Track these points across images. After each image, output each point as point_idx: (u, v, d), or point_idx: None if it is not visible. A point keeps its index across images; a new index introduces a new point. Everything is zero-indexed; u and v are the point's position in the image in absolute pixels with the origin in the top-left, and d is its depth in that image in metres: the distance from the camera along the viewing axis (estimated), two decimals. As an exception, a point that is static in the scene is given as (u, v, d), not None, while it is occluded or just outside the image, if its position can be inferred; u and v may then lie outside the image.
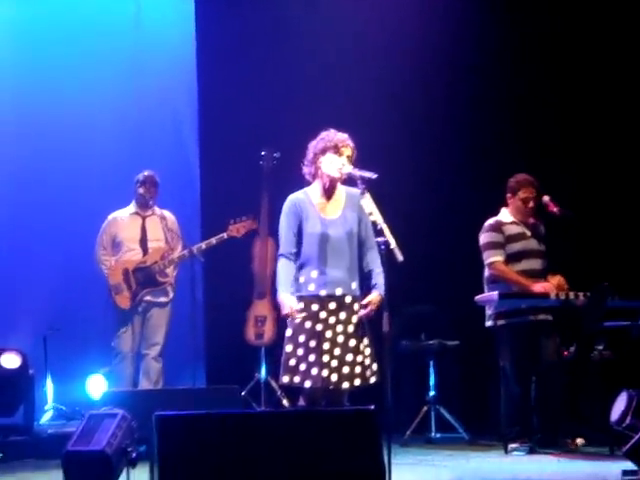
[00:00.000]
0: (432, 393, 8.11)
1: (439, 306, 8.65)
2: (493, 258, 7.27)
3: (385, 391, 5.84)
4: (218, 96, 9.28)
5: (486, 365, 8.54)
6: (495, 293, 7.12)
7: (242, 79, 9.20)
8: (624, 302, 7.22)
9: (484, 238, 7.33)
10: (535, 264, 7.30)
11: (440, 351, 8.26)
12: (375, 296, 5.90)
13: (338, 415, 5.34)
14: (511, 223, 7.35)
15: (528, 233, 7.35)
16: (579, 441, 7.17)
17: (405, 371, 8.51)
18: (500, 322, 7.21)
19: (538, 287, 7.13)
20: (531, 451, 7.17)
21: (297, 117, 8.52)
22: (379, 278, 5.92)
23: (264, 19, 9.25)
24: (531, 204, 7.31)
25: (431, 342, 8.27)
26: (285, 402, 8.18)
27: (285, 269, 5.89)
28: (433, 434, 8.03)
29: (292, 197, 6.00)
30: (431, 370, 8.16)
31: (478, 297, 7.29)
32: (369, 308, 5.89)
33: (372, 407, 5.14)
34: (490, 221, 7.37)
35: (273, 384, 8.39)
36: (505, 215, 7.38)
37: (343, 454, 4.87)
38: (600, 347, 7.16)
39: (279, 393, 8.31)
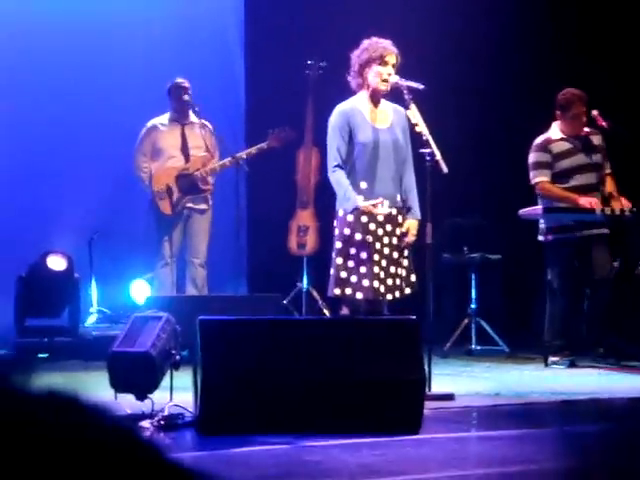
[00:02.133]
0: (473, 306, 8.13)
1: (482, 219, 8.63)
2: (538, 178, 7.24)
3: (427, 302, 5.87)
4: (264, 3, 9.19)
5: (528, 279, 8.56)
6: (539, 207, 7.11)
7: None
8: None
9: (531, 158, 7.29)
10: (588, 178, 7.24)
11: (482, 264, 8.26)
12: (412, 223, 5.89)
13: (380, 324, 5.39)
14: (560, 140, 7.27)
15: (578, 147, 7.27)
16: None
17: (447, 283, 8.51)
18: (550, 236, 7.21)
19: (584, 201, 7.08)
20: (571, 365, 7.20)
21: (343, 26, 8.41)
22: (415, 201, 5.90)
23: None
24: (582, 119, 7.21)
25: (473, 255, 8.27)
26: (326, 312, 8.24)
27: (345, 179, 5.83)
28: (473, 346, 8.07)
29: (340, 107, 5.95)
30: (472, 283, 8.17)
31: (522, 211, 7.26)
32: (409, 237, 5.88)
33: (414, 317, 5.17)
34: (538, 140, 7.30)
35: (315, 293, 8.44)
36: (555, 131, 7.30)
37: (385, 363, 4.91)
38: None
39: (320, 303, 8.36)
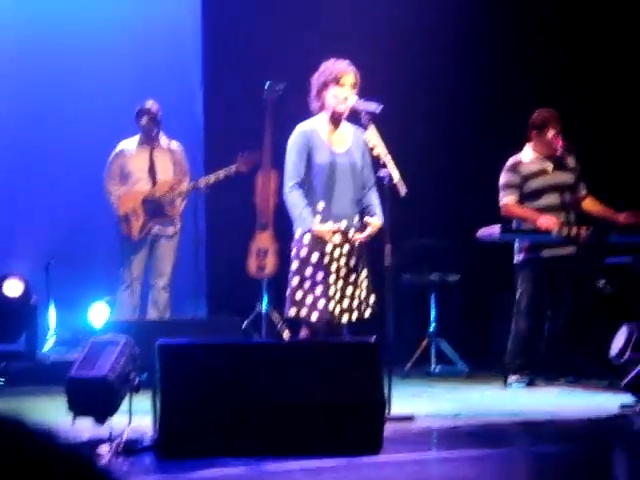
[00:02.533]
0: (433, 326, 8.14)
1: (441, 240, 8.66)
2: (504, 199, 7.33)
3: (386, 324, 5.87)
4: (223, 25, 9.21)
5: (487, 300, 8.60)
6: (497, 227, 7.14)
7: (247, 11, 9.11)
8: (625, 237, 7.23)
9: (501, 179, 7.38)
10: (558, 198, 7.30)
11: (441, 285, 8.28)
12: (375, 220, 5.87)
13: (339, 346, 5.37)
14: (530, 162, 7.33)
15: (550, 167, 7.33)
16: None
17: (406, 304, 8.55)
18: (521, 255, 7.27)
19: (540, 222, 7.13)
20: (530, 384, 7.23)
21: (302, 48, 8.45)
22: (378, 210, 5.91)
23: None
24: (559, 138, 7.26)
25: (432, 276, 8.29)
26: (286, 334, 8.21)
27: (302, 199, 5.83)
28: (433, 367, 8.09)
29: (300, 127, 5.96)
30: (432, 303, 8.19)
31: (480, 232, 7.30)
32: (368, 231, 5.85)
33: (373, 339, 5.16)
34: (509, 161, 7.39)
35: (274, 316, 8.42)
36: (526, 153, 7.37)
37: (345, 385, 4.90)
38: (601, 282, 7.18)
39: (280, 325, 8.33)
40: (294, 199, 5.86)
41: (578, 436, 5.52)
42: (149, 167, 8.07)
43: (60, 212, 8.77)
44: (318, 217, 5.85)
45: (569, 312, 7.28)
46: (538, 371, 7.27)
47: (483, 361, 8.23)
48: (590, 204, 7.42)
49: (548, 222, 7.12)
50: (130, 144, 8.14)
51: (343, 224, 5.88)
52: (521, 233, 7.29)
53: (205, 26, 9.32)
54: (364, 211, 5.97)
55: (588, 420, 5.82)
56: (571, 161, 7.40)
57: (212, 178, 7.98)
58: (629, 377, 5.60)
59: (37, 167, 8.84)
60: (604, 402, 6.33)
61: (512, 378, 7.21)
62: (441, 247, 8.66)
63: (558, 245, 7.20)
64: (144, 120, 7.97)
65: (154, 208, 7.99)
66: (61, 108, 8.91)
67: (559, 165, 7.35)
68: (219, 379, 4.83)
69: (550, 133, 7.26)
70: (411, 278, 8.38)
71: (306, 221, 5.79)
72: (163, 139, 8.13)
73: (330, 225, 5.79)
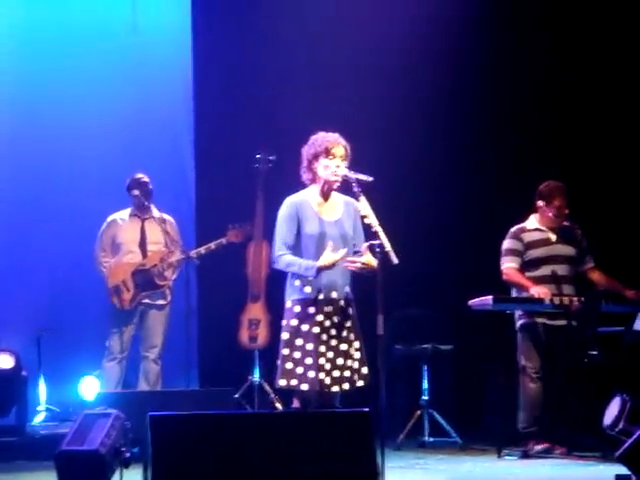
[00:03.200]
0: (425, 397, 8.10)
1: (433, 310, 8.65)
2: (506, 265, 7.40)
3: (379, 394, 5.85)
4: (214, 100, 9.29)
5: (480, 370, 8.56)
6: (489, 297, 7.16)
7: (238, 83, 9.21)
8: (618, 307, 7.26)
9: (504, 245, 7.46)
10: (558, 270, 7.34)
11: (434, 355, 8.25)
12: (370, 257, 5.77)
13: (332, 417, 5.35)
14: (534, 230, 7.42)
15: (553, 238, 7.40)
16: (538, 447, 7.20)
17: (399, 375, 8.51)
18: (521, 321, 7.33)
19: (533, 291, 7.18)
20: (524, 456, 7.19)
21: (293, 121, 8.52)
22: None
23: (260, 25, 9.25)
24: (565, 211, 7.35)
25: (425, 346, 8.27)
26: (278, 405, 8.17)
27: (294, 258, 5.82)
28: (426, 438, 8.03)
29: (290, 199, 5.99)
30: (424, 374, 8.16)
31: (472, 301, 7.31)
32: (361, 261, 5.77)
33: (366, 409, 5.14)
34: (513, 228, 7.48)
35: (266, 387, 8.38)
36: (531, 222, 7.46)
37: (337, 456, 4.88)
38: (594, 352, 7.18)
39: (272, 396, 8.30)
40: (287, 260, 5.85)
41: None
42: (140, 238, 8.09)
43: (51, 284, 8.77)
44: (309, 288, 5.85)
45: (561, 383, 7.27)
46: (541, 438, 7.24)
47: (477, 432, 8.18)
48: (597, 276, 7.47)
49: (539, 292, 7.16)
50: (122, 215, 8.17)
51: (334, 294, 5.88)
52: (513, 302, 7.34)
53: (197, 97, 9.40)
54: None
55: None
56: (575, 234, 7.47)
57: (203, 250, 8.00)
58: (623, 448, 5.56)
59: (28, 238, 8.86)
60: (598, 473, 6.30)
61: (535, 448, 7.16)
62: (433, 317, 8.65)
63: (553, 316, 7.22)
64: (136, 192, 8.01)
65: (144, 279, 7.99)
66: (51, 178, 8.95)
67: (561, 236, 7.41)
68: (211, 451, 4.80)
69: (555, 204, 7.33)
70: (403, 348, 8.36)
71: (311, 268, 5.76)
72: (154, 210, 8.16)
73: (331, 253, 5.72)
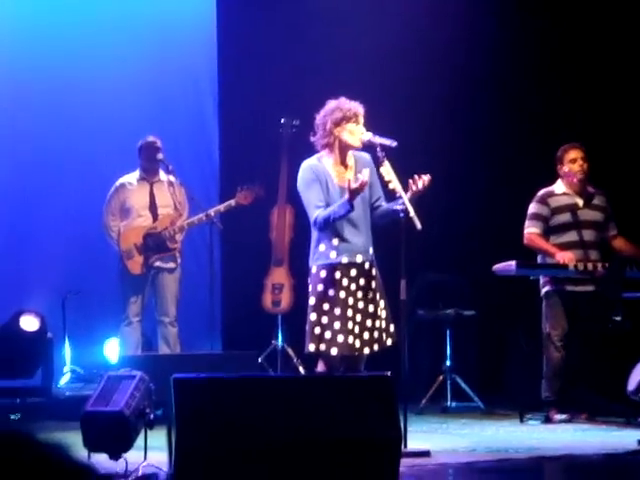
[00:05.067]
0: (448, 362, 8.11)
1: (457, 275, 8.65)
2: (528, 229, 7.38)
3: (402, 359, 5.86)
4: (237, 63, 9.27)
5: (502, 336, 8.56)
6: (513, 262, 7.14)
7: (262, 47, 9.18)
8: (643, 273, 7.23)
9: (530, 208, 7.43)
10: (584, 235, 7.32)
11: (457, 320, 8.26)
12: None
13: (355, 380, 5.36)
14: (562, 194, 7.37)
15: (580, 203, 7.37)
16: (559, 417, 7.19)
17: (421, 340, 8.52)
18: (545, 288, 7.30)
19: (559, 257, 7.16)
20: (546, 420, 7.19)
21: (317, 85, 8.48)
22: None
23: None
24: (580, 162, 7.30)
25: (448, 311, 8.27)
26: (301, 369, 8.21)
27: (326, 210, 5.77)
28: (449, 403, 8.05)
29: (308, 163, 5.97)
30: (447, 339, 8.16)
31: (496, 267, 7.30)
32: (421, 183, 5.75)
33: (388, 373, 5.15)
34: (540, 192, 7.44)
35: (289, 351, 8.42)
36: (558, 186, 7.42)
37: (359, 420, 4.88)
38: (618, 318, 7.16)
39: (295, 360, 8.33)
40: (323, 215, 5.78)
41: (595, 472, 5.49)
42: (150, 202, 8.08)
43: (76, 247, 8.80)
44: (334, 253, 5.85)
45: (586, 348, 7.26)
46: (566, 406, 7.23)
47: (499, 397, 8.19)
48: (621, 243, 7.44)
49: (564, 257, 7.13)
50: (130, 179, 8.14)
51: (359, 258, 5.89)
52: (537, 268, 7.31)
53: (221, 61, 9.38)
54: (381, 220, 5.95)
55: (605, 456, 5.79)
56: (601, 200, 7.42)
57: (212, 212, 7.97)
58: (646, 413, 5.56)
59: (51, 201, 8.88)
60: (621, 438, 6.30)
61: (556, 417, 7.15)
62: (456, 282, 8.64)
63: (578, 281, 7.19)
64: (159, 155, 7.98)
65: (155, 243, 7.99)
66: (74, 143, 8.95)
67: (587, 202, 7.37)
68: (235, 414, 4.81)
69: (569, 159, 7.29)
70: (426, 313, 8.36)
71: (343, 205, 5.70)
72: (162, 174, 8.14)
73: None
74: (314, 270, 5.92)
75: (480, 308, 8.39)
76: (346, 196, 5.70)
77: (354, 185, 5.65)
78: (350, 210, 5.74)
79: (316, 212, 5.84)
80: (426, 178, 5.80)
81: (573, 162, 7.33)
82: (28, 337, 7.79)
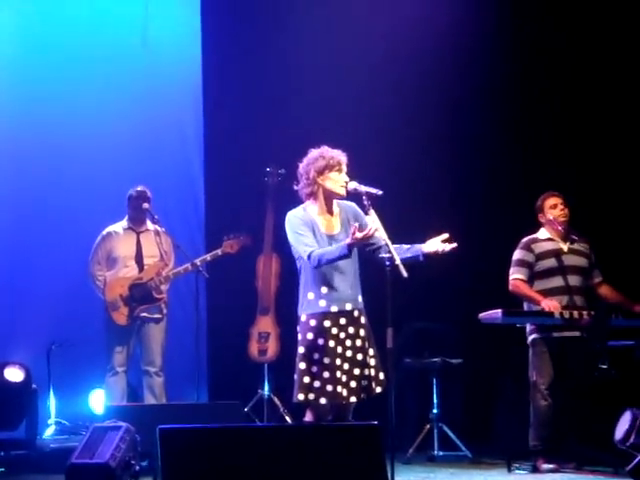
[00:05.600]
0: (435, 411, 8.09)
1: (443, 323, 8.65)
2: (513, 275, 7.39)
3: (389, 407, 5.84)
4: (224, 112, 9.31)
5: (489, 384, 8.55)
6: (499, 311, 7.14)
7: (247, 97, 9.23)
8: (628, 321, 7.24)
9: (515, 254, 7.45)
10: (572, 280, 7.32)
11: (443, 369, 8.24)
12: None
13: (342, 430, 5.35)
14: (546, 240, 7.40)
15: (565, 249, 7.40)
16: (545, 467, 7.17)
17: (408, 388, 8.50)
18: (532, 335, 7.28)
19: (544, 304, 7.16)
20: (534, 470, 7.16)
21: (302, 134, 8.53)
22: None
23: (270, 39, 9.28)
24: (560, 207, 7.36)
25: (434, 359, 8.26)
26: (288, 418, 8.17)
27: (322, 249, 5.78)
28: (436, 452, 8.01)
29: (294, 213, 5.97)
30: (434, 387, 8.14)
31: (482, 315, 7.30)
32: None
33: (376, 423, 5.14)
34: (524, 239, 7.47)
35: (276, 400, 8.38)
36: (542, 233, 7.46)
37: (346, 469, 4.88)
38: (604, 366, 7.16)
39: (282, 409, 8.30)
40: (319, 252, 5.78)
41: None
42: (136, 252, 8.07)
43: (60, 297, 8.77)
44: (323, 301, 5.85)
45: (572, 396, 7.24)
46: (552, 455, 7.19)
47: (486, 446, 8.16)
48: (607, 291, 7.45)
49: (549, 305, 7.14)
50: (116, 228, 8.14)
51: (348, 306, 5.89)
52: (523, 316, 7.31)
53: (207, 111, 9.42)
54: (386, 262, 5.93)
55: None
56: (585, 247, 7.46)
57: (198, 262, 7.96)
58: (634, 462, 5.55)
59: (36, 253, 8.87)
60: (610, 487, 6.28)
61: (543, 467, 7.12)
62: (443, 330, 8.65)
63: (564, 327, 7.19)
64: (145, 204, 7.99)
65: (141, 293, 7.97)
66: (58, 192, 8.96)
67: (573, 248, 7.41)
68: (221, 465, 4.79)
69: (548, 205, 7.35)
70: (413, 361, 8.34)
71: (342, 248, 5.71)
72: (148, 223, 8.15)
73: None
74: (303, 319, 5.91)
75: (467, 356, 8.38)
76: (347, 240, 5.72)
77: (359, 235, 5.66)
78: (347, 255, 5.75)
79: (309, 249, 5.82)
80: (453, 245, 5.80)
81: (554, 208, 7.39)
82: (12, 388, 7.74)
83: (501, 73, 9.21)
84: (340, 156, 5.96)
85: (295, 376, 5.86)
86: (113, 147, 9.07)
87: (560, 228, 7.37)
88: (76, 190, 8.97)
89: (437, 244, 5.89)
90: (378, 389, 5.91)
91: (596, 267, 7.49)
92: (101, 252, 8.10)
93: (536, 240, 7.44)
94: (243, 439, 4.99)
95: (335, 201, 6.01)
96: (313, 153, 5.99)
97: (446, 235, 5.90)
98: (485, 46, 9.17)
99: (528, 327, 7.36)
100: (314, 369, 5.81)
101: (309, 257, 5.81)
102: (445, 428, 8.05)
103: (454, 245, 5.88)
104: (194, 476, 4.76)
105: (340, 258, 5.78)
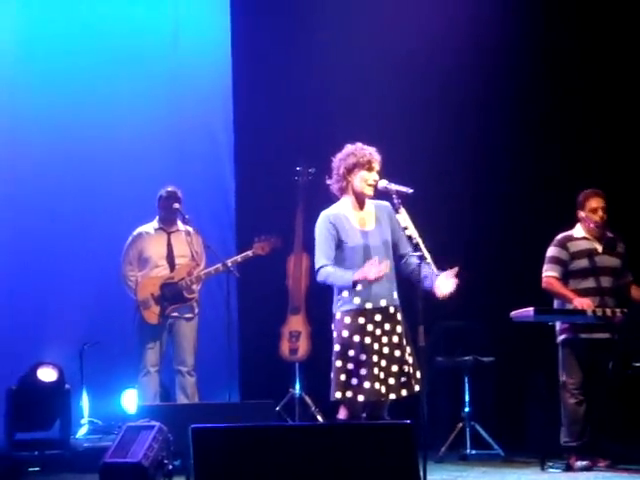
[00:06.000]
0: (467, 409, 8.07)
1: (475, 321, 8.62)
2: (547, 272, 7.34)
3: (421, 406, 5.83)
4: (254, 112, 9.32)
5: (522, 382, 8.51)
6: (531, 309, 7.11)
7: (278, 96, 9.24)
8: (662, 319, 7.19)
9: (548, 252, 7.39)
10: (604, 282, 7.27)
11: (475, 367, 8.22)
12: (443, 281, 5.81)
13: (374, 429, 5.34)
14: (581, 239, 7.35)
15: (599, 249, 7.33)
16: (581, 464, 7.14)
17: (440, 387, 8.48)
18: (562, 336, 7.25)
19: (577, 302, 7.11)
20: (567, 468, 7.12)
21: (332, 133, 8.53)
22: (426, 267, 5.83)
23: (298, 39, 9.29)
24: (600, 213, 7.29)
25: (466, 358, 8.23)
26: (319, 417, 8.17)
27: (334, 269, 5.82)
28: (468, 451, 7.98)
29: (326, 213, 5.99)
30: (466, 386, 8.12)
31: (514, 313, 7.27)
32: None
33: (409, 421, 5.13)
34: (559, 236, 7.40)
35: (307, 399, 8.39)
36: (578, 230, 7.39)
37: (379, 468, 4.87)
38: (638, 364, 7.11)
39: (314, 409, 8.31)
40: (328, 271, 5.83)
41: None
42: (167, 252, 8.10)
43: (92, 298, 8.82)
44: (358, 299, 5.85)
45: (604, 396, 7.20)
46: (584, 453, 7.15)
47: (519, 445, 8.12)
48: (635, 291, 7.38)
49: (582, 303, 7.09)
50: (147, 229, 8.17)
51: (382, 302, 5.87)
52: (555, 314, 7.26)
53: (237, 110, 9.43)
54: (410, 276, 5.93)
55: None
56: (620, 246, 7.40)
57: (229, 263, 7.97)
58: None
59: (70, 253, 8.91)
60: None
61: (577, 464, 7.09)
62: (474, 329, 8.62)
63: (594, 328, 7.15)
64: (176, 204, 8.01)
65: (172, 293, 7.99)
66: (90, 193, 8.99)
67: (607, 248, 7.34)
68: (253, 464, 4.80)
69: (589, 207, 7.28)
70: (445, 360, 8.33)
71: (348, 279, 5.75)
72: (179, 223, 8.17)
73: (370, 267, 5.70)
74: (338, 316, 5.90)
75: (498, 354, 8.35)
76: (357, 275, 5.71)
77: (371, 276, 5.67)
78: (352, 287, 5.77)
79: (323, 262, 5.86)
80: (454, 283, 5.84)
81: (594, 212, 7.29)
82: (46, 389, 7.80)
83: (527, 72, 9.16)
84: (372, 155, 5.94)
85: (332, 374, 5.85)
86: (145, 149, 9.10)
87: (595, 227, 7.30)
88: (109, 192, 9.01)
89: (447, 285, 5.82)
90: (416, 387, 5.87)
91: (627, 267, 7.43)
92: (132, 253, 8.13)
93: (571, 238, 7.37)
94: (275, 438, 4.99)
95: (370, 200, 6.00)
96: (347, 149, 6.00)
97: (456, 269, 5.83)
98: (510, 45, 9.13)
99: (558, 327, 7.31)
100: (350, 366, 5.79)
101: (319, 270, 5.87)
102: (477, 427, 8.03)
103: (455, 283, 5.83)
104: (227, 475, 4.77)
105: (343, 286, 5.81)
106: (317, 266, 5.91)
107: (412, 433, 5.04)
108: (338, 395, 5.80)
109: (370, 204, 6.02)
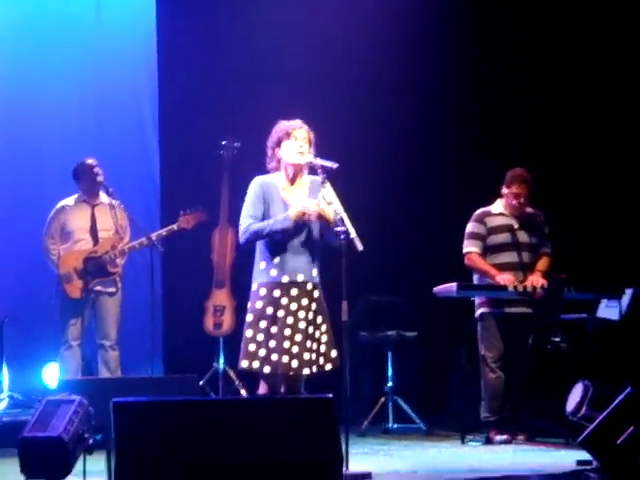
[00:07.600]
0: (390, 384, 8.13)
1: (398, 297, 8.68)
2: (468, 248, 7.40)
3: (343, 381, 5.86)
4: (179, 86, 9.25)
5: (444, 357, 8.61)
6: (454, 284, 7.18)
7: (203, 69, 9.18)
8: (581, 294, 7.31)
9: (467, 227, 7.46)
10: (519, 257, 7.35)
11: (398, 342, 8.28)
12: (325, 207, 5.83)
13: (296, 402, 5.36)
14: (499, 214, 7.41)
15: (516, 225, 7.39)
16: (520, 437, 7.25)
17: (363, 361, 8.54)
18: (480, 310, 7.32)
19: (499, 278, 7.21)
20: (487, 442, 7.23)
21: (258, 107, 8.52)
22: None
23: (226, 10, 9.23)
24: (521, 200, 7.35)
25: (389, 333, 8.29)
26: (243, 392, 8.18)
27: (262, 222, 5.84)
28: (390, 424, 8.06)
29: (258, 179, 6.00)
30: (389, 361, 8.18)
31: (437, 288, 7.34)
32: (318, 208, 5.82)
33: (330, 395, 5.15)
34: (477, 211, 7.48)
35: (231, 374, 8.38)
36: (497, 206, 7.46)
37: (301, 442, 4.88)
38: (557, 339, 7.23)
39: (237, 383, 8.31)
40: (256, 226, 5.85)
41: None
42: (90, 225, 8.00)
43: (13, 271, 8.71)
44: (275, 271, 5.85)
45: (524, 370, 7.30)
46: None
47: (440, 418, 8.22)
48: (540, 263, 7.44)
49: (504, 279, 7.18)
50: (69, 202, 8.05)
51: (300, 277, 5.88)
52: (478, 289, 7.35)
53: (161, 84, 9.34)
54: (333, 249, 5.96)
55: (544, 477, 5.83)
56: (538, 219, 7.47)
57: (153, 236, 7.89)
58: (585, 434, 5.61)
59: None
60: (560, 459, 6.35)
61: (496, 438, 7.18)
62: (398, 304, 8.67)
63: (514, 303, 7.25)
64: (99, 177, 7.90)
65: (96, 266, 7.89)
66: (12, 166, 8.87)
67: (524, 224, 7.41)
68: (175, 438, 4.79)
69: (512, 191, 7.34)
70: (368, 335, 8.38)
71: (283, 219, 5.78)
72: (103, 196, 8.07)
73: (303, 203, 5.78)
74: (254, 288, 5.93)
75: (421, 329, 8.42)
76: (291, 212, 5.73)
77: (311, 210, 5.73)
78: (289, 227, 5.77)
79: (248, 221, 5.87)
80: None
81: (515, 196, 7.35)
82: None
83: (454, 63, 9.24)
84: (288, 126, 5.96)
85: (241, 344, 5.87)
86: (67, 121, 8.99)
87: (515, 203, 7.37)
88: (30, 164, 8.89)
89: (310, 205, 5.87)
90: (328, 366, 5.91)
91: (547, 239, 7.51)
92: (54, 226, 8.02)
93: (489, 213, 7.46)
94: (197, 412, 4.98)
95: (306, 176, 6.00)
96: (274, 128, 6.02)
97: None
98: (438, 37, 9.18)
99: (477, 301, 7.39)
100: (260, 337, 5.81)
101: (245, 231, 5.87)
102: (400, 401, 8.10)
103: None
104: (148, 449, 4.75)
105: (282, 229, 5.81)
106: (243, 227, 5.90)
107: (333, 407, 5.06)
108: (244, 364, 5.82)
109: (306, 178, 6.02)
